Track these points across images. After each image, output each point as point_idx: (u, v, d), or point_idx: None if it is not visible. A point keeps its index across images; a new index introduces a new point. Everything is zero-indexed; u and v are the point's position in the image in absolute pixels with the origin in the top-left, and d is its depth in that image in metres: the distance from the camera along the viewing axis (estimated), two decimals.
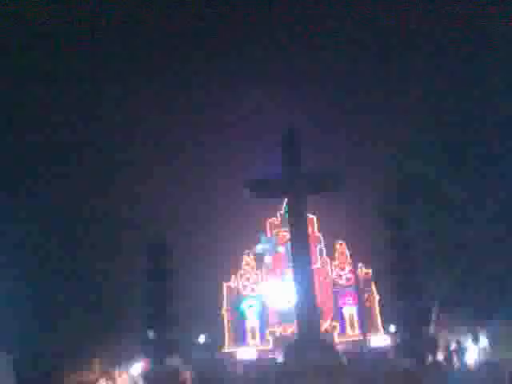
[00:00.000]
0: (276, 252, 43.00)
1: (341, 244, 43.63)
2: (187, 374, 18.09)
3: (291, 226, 12.92)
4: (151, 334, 14.37)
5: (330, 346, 12.29)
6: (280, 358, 23.45)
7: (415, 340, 12.14)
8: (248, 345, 40.13)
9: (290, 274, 38.65)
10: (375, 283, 39.77)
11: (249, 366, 21.84)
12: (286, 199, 23.06)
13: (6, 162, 29.05)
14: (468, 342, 18.25)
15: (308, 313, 11.79)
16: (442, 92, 25.02)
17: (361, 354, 24.95)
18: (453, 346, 18.58)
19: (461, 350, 16.89)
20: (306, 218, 13.32)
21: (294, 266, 12.70)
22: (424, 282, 13.32)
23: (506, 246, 20.25)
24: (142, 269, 13.14)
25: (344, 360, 12.05)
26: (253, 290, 42.63)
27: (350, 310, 41.40)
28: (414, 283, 12.35)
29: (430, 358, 13.06)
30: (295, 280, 12.42)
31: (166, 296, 12.53)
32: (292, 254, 12.95)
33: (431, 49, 33.41)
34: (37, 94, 34.58)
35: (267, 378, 14.78)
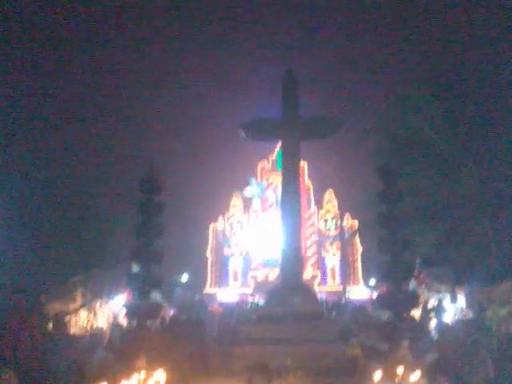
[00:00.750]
0: (265, 196, 43.07)
1: (329, 193, 43.77)
2: (167, 311, 18.27)
3: (283, 170, 12.82)
4: (136, 268, 14.39)
5: (311, 293, 12.41)
6: (261, 302, 23.75)
7: (395, 294, 12.23)
8: (230, 286, 40.71)
9: (276, 219, 38.93)
10: (359, 235, 40.11)
11: (229, 307, 22.05)
12: (279, 144, 22.96)
13: None
14: (446, 302, 18.50)
15: (292, 259, 11.85)
16: (445, 46, 24.66)
17: (339, 304, 25.37)
18: (430, 304, 18.86)
19: (439, 309, 17.13)
20: (299, 163, 13.23)
21: (282, 212, 12.67)
22: (409, 237, 13.34)
23: (493, 209, 20.39)
24: (133, 202, 13.09)
25: (324, 308, 12.18)
26: (238, 232, 42.89)
27: (332, 260, 41.91)
28: (400, 238, 12.38)
29: (407, 313, 13.21)
30: (283, 226, 12.40)
31: (154, 231, 12.49)
32: (282, 200, 12.91)
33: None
34: None
35: (247, 321, 14.95)
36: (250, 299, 31.61)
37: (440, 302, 18.18)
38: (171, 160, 34.43)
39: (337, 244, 40.89)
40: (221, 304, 27.37)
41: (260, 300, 28.38)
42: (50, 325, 12.26)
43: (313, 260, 41.22)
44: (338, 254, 40.16)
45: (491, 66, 21.36)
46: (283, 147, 13.08)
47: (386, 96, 25.40)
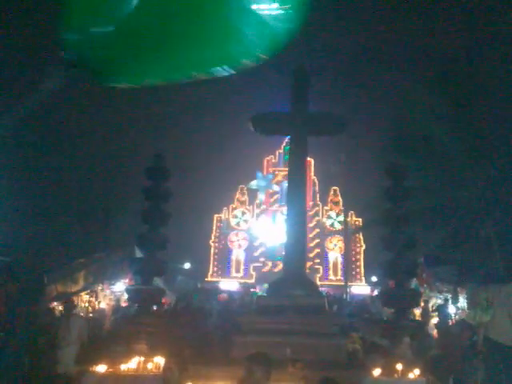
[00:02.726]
0: (270, 190, 43.14)
1: (334, 189, 43.86)
2: (169, 297, 18.37)
3: (290, 165, 12.85)
4: (139, 253, 14.47)
5: (313, 287, 12.44)
6: (262, 293, 23.83)
7: (398, 291, 12.26)
8: (231, 277, 40.85)
9: (280, 212, 39.04)
10: (362, 233, 40.13)
11: (231, 297, 22.16)
12: (287, 139, 22.95)
13: None
14: (447, 301, 18.55)
15: (296, 253, 11.86)
16: (454, 48, 24.56)
17: (341, 299, 25.47)
18: (432, 303, 18.91)
19: (443, 309, 17.20)
20: (306, 159, 13.28)
21: (288, 206, 12.71)
22: (413, 236, 13.33)
23: (499, 210, 20.33)
24: (139, 188, 13.13)
25: (325, 302, 12.20)
26: (242, 224, 42.99)
27: (335, 256, 42.00)
28: (404, 236, 12.38)
29: (408, 311, 13.25)
30: (288, 219, 12.44)
31: (160, 217, 12.53)
32: (287, 194, 12.94)
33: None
34: None
35: (248, 311, 15.03)
36: (252, 290, 31.77)
37: (446, 301, 18.24)
38: (179, 150, 34.46)
39: (340, 239, 40.95)
40: (225, 292, 27.48)
41: (260, 291, 28.51)
42: (60, 307, 12.42)
43: (315, 254, 41.28)
44: (341, 249, 40.22)
45: (504, 67, 21.26)
46: (291, 141, 13.10)
47: (394, 95, 25.28)
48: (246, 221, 43.10)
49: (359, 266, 41.84)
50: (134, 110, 39.93)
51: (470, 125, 21.21)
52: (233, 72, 2.92)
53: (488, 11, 25.05)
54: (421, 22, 45.16)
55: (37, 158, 26.39)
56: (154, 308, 13.52)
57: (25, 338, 10.35)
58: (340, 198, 43.54)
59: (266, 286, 34.09)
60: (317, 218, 42.83)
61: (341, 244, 40.56)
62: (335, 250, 42.05)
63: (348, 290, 30.74)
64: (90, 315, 16.64)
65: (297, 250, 11.92)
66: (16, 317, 10.31)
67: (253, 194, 43.97)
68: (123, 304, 18.14)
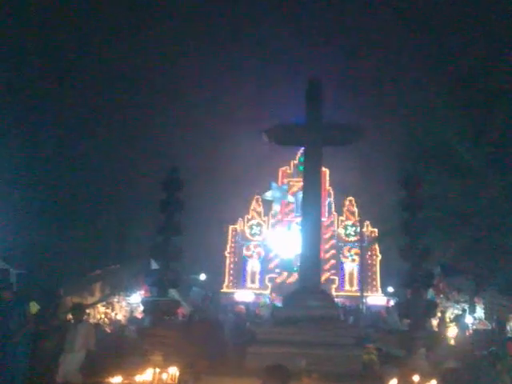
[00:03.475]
0: (285, 201, 43.08)
1: (350, 200, 43.71)
2: (184, 308, 18.38)
3: (305, 176, 12.84)
4: (155, 264, 14.51)
5: (329, 298, 12.39)
6: (279, 304, 23.75)
7: (414, 302, 12.15)
8: (247, 287, 40.75)
9: (295, 223, 38.98)
10: (378, 243, 39.91)
11: (248, 308, 22.10)
12: (301, 149, 22.92)
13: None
14: (465, 311, 18.41)
15: (311, 264, 11.82)
16: (472, 54, 24.42)
17: (357, 310, 25.31)
18: (450, 314, 18.75)
19: (461, 319, 17.07)
20: (320, 170, 13.25)
21: (303, 217, 12.69)
22: (430, 246, 13.23)
23: None
24: (156, 200, 13.19)
25: (341, 312, 12.16)
26: (257, 235, 42.93)
27: (350, 266, 41.78)
28: (420, 246, 12.29)
29: (425, 322, 13.12)
30: (302, 230, 12.41)
31: (174, 229, 12.55)
32: (302, 205, 12.92)
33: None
34: None
35: (263, 322, 15.01)
36: (269, 301, 31.68)
37: (464, 311, 18.08)
38: (194, 161, 34.62)
39: (356, 250, 40.74)
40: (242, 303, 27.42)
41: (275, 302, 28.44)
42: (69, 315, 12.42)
43: (331, 265, 41.10)
44: (357, 260, 39.99)
45: None
46: (305, 152, 13.10)
47: (410, 104, 25.22)
48: (261, 232, 43.05)
49: (375, 277, 41.55)
50: (149, 121, 40.27)
51: (488, 132, 21.11)
52: None
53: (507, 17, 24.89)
54: (439, 29, 45.05)
55: (52, 172, 26.62)
56: (170, 319, 13.53)
57: (26, 342, 10.35)
58: (356, 209, 43.38)
59: (266, 299, 34.26)
60: (332, 229, 42.67)
61: (357, 254, 40.32)
62: (351, 261, 41.82)
63: (364, 300, 30.55)
64: (105, 326, 16.66)
65: (312, 260, 11.88)
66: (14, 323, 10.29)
67: (268, 204, 43.94)
68: (138, 315, 18.18)
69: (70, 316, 12.14)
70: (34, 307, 13.51)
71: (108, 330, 15.96)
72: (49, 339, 11.23)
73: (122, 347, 12.59)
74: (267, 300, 35.51)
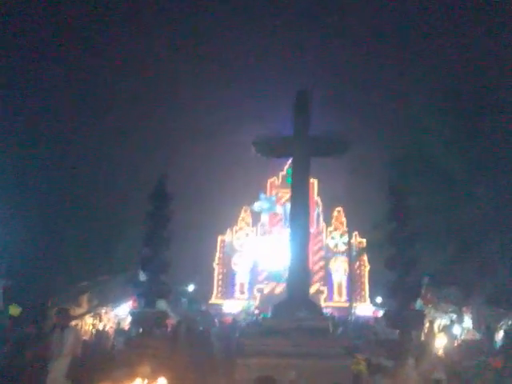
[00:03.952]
0: (273, 212, 43.10)
1: (338, 210, 43.80)
2: (172, 320, 18.29)
3: (293, 187, 12.87)
4: (143, 276, 14.46)
5: (317, 308, 12.40)
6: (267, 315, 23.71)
7: (402, 312, 12.19)
8: (235, 299, 40.65)
9: (284, 234, 38.96)
10: (366, 253, 39.99)
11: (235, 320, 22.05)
12: (290, 161, 22.98)
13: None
14: (453, 322, 18.46)
15: (299, 274, 11.84)
16: (459, 64, 24.62)
17: (346, 320, 25.31)
18: (438, 324, 18.80)
19: (449, 329, 17.11)
20: (308, 181, 13.29)
21: (291, 227, 12.71)
22: (417, 256, 13.29)
23: (502, 231, 20.29)
24: (143, 212, 13.18)
25: (330, 323, 12.16)
26: (246, 245, 42.89)
27: (339, 277, 41.78)
28: (409, 256, 12.35)
29: (413, 332, 13.15)
30: (291, 241, 12.42)
31: (162, 241, 12.55)
32: (291, 215, 12.94)
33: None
34: None
35: (252, 333, 14.95)
36: (257, 311, 31.62)
37: (452, 322, 18.13)
38: (183, 172, 34.53)
39: (344, 261, 40.77)
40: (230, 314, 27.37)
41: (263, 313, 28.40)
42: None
43: (320, 275, 41.11)
44: (346, 270, 40.01)
45: (507, 83, 21.33)
46: (293, 163, 13.15)
47: (397, 114, 25.41)
48: (249, 242, 43.00)
49: (364, 287, 41.60)
50: (137, 135, 40.22)
51: (475, 143, 21.27)
52: None
53: (495, 27, 25.17)
54: (426, 38, 45.43)
55: (40, 183, 26.49)
56: (157, 331, 13.47)
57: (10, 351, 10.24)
58: (344, 219, 43.49)
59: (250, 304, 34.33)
60: (320, 239, 42.72)
61: (345, 265, 40.33)
62: (339, 271, 41.83)
63: (353, 311, 30.55)
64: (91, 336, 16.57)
65: (300, 271, 11.90)
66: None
67: (256, 215, 43.95)
68: (125, 327, 18.09)
69: (54, 320, 11.95)
70: (14, 309, 13.38)
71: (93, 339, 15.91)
72: (30, 347, 11.09)
73: (110, 358, 12.49)
74: (251, 305, 35.67)
